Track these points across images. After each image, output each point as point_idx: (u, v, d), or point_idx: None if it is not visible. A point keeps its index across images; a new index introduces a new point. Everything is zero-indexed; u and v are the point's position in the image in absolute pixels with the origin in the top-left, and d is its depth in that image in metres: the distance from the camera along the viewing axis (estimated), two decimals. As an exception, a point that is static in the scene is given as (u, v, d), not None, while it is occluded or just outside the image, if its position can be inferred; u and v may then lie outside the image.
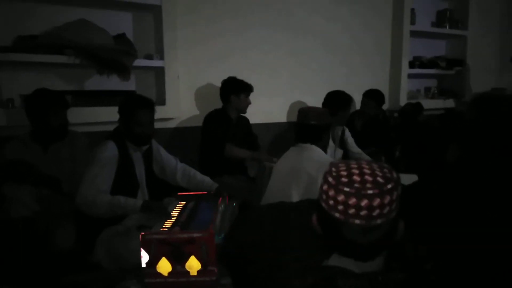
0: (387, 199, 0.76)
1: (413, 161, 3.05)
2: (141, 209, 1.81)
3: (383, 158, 3.03)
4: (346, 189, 0.76)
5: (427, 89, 4.23)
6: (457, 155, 1.24)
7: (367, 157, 2.86)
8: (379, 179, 0.77)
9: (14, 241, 1.86)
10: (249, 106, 2.82)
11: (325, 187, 0.81)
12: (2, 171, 1.96)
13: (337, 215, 0.78)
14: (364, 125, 3.20)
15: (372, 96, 3.28)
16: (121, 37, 2.63)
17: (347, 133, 2.98)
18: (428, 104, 3.91)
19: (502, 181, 1.12)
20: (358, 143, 3.04)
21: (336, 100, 2.82)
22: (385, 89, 3.88)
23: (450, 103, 4.15)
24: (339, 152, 2.88)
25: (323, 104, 2.86)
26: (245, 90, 2.75)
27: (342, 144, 2.93)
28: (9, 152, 2.06)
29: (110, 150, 1.92)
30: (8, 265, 1.79)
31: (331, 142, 2.74)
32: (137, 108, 1.95)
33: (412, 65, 3.98)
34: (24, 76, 2.45)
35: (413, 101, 3.70)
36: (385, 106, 3.53)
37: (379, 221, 0.76)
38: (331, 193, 0.78)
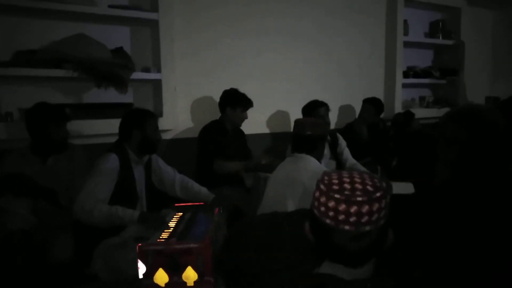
0: (375, 206, 0.79)
1: (409, 170, 3.07)
2: (138, 220, 1.82)
3: (379, 168, 3.04)
4: (337, 195, 0.80)
5: (422, 98, 4.28)
6: (444, 172, 1.25)
7: (363, 168, 2.87)
8: (368, 187, 0.81)
9: (11, 254, 1.86)
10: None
11: (317, 194, 0.84)
12: (0, 184, 1.97)
13: (327, 221, 0.81)
14: (367, 131, 3.26)
15: (372, 103, 3.36)
16: (119, 51, 2.68)
17: (342, 144, 2.99)
18: (423, 113, 3.96)
19: (489, 193, 1.14)
20: (361, 151, 3.05)
21: (305, 109, 2.99)
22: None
23: (445, 112, 4.18)
24: (332, 163, 2.88)
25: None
26: (242, 104, 2.73)
27: (335, 155, 2.93)
28: (7, 165, 2.08)
29: (112, 162, 1.94)
30: (5, 278, 1.79)
31: (326, 152, 2.75)
32: (151, 117, 2.08)
33: (406, 75, 4.04)
34: (23, 90, 2.48)
35: (402, 110, 3.74)
36: (381, 115, 3.57)
37: (368, 228, 0.79)
38: (323, 199, 0.82)
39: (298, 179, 1.87)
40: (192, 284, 1.35)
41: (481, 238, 1.09)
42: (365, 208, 0.78)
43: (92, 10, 2.53)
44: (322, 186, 0.83)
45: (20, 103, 2.41)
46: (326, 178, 0.85)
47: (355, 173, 0.86)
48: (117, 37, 2.76)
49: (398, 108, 3.91)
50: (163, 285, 1.35)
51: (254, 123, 3.10)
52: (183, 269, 1.35)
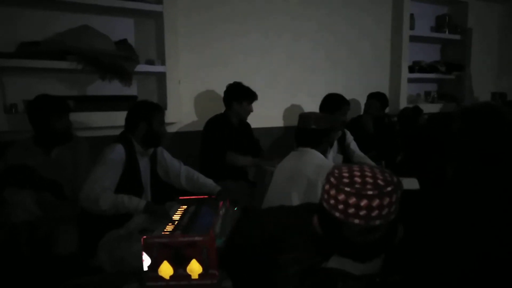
0: (386, 200, 0.77)
1: (415, 165, 3.05)
2: (143, 210, 1.82)
3: (383, 162, 3.03)
4: (347, 189, 0.79)
5: (427, 94, 4.25)
6: (452, 171, 1.24)
7: (371, 162, 2.85)
8: (379, 181, 0.79)
9: (15, 246, 1.87)
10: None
11: (326, 186, 0.83)
12: (4, 176, 1.97)
13: (337, 214, 0.79)
14: (373, 126, 3.26)
15: (377, 97, 3.36)
16: (122, 43, 2.66)
17: (349, 138, 2.97)
18: (428, 108, 3.93)
19: (495, 189, 1.13)
20: (367, 145, 3.03)
21: (330, 102, 2.85)
22: (385, 94, 3.91)
23: (450, 107, 4.16)
24: (339, 157, 2.87)
25: (320, 107, 2.87)
26: (248, 97, 2.74)
27: (342, 149, 2.92)
28: (11, 157, 2.08)
29: (119, 152, 1.94)
30: (9, 270, 1.79)
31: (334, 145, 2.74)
32: (159, 110, 2.08)
33: (411, 69, 4.00)
34: (27, 82, 2.48)
35: (411, 105, 3.72)
36: (385, 110, 3.55)
37: (377, 222, 0.78)
38: (332, 192, 0.80)
39: (303, 174, 1.86)
40: (196, 277, 1.35)
41: (488, 234, 1.08)
42: (376, 202, 0.77)
43: (96, 2, 2.50)
44: (332, 179, 0.82)
45: (25, 94, 2.40)
46: (336, 171, 0.83)
47: (366, 167, 0.85)
48: (121, 29, 2.74)
49: (403, 103, 3.89)
50: (167, 277, 1.35)
51: (259, 117, 3.08)
52: (187, 261, 1.34)
